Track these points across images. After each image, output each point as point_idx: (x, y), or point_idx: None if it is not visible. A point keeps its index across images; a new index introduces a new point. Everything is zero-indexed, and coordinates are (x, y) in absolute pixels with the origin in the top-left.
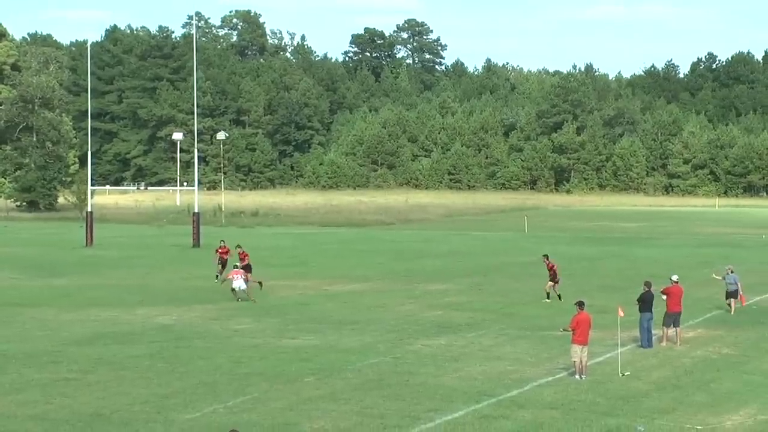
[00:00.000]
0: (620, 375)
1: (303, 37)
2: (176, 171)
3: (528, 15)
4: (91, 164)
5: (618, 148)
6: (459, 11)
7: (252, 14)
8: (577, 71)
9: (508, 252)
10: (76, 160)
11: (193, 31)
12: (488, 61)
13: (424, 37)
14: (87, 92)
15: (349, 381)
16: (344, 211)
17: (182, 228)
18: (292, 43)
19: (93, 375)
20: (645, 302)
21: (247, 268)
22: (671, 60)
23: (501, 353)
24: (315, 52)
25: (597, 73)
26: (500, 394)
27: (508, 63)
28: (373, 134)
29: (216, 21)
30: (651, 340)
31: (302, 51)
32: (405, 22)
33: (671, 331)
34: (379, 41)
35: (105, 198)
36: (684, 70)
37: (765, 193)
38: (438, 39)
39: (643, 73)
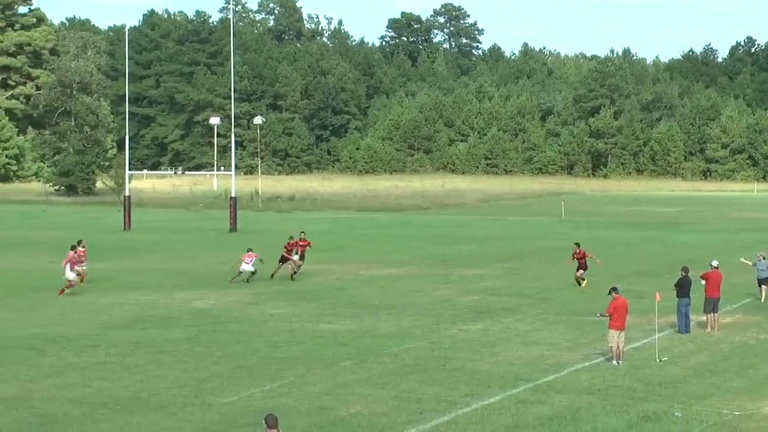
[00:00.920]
0: (657, 360)
1: (340, 22)
2: (213, 156)
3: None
4: (129, 149)
5: (655, 133)
6: None
7: None
8: (615, 55)
9: (544, 237)
10: (114, 144)
11: (231, 16)
12: (525, 45)
13: (461, 21)
14: (125, 77)
15: (386, 365)
16: (380, 196)
17: (219, 212)
18: (328, 27)
19: (131, 358)
20: (682, 287)
21: (302, 255)
22: (709, 44)
23: (538, 338)
24: (352, 37)
25: (634, 58)
26: (537, 379)
27: (545, 47)
28: (409, 119)
29: (253, 5)
30: (689, 325)
31: (339, 36)
32: (442, 6)
33: (710, 316)
34: (415, 26)
35: (142, 182)
36: (722, 54)
37: None
38: (475, 23)
39: (681, 58)
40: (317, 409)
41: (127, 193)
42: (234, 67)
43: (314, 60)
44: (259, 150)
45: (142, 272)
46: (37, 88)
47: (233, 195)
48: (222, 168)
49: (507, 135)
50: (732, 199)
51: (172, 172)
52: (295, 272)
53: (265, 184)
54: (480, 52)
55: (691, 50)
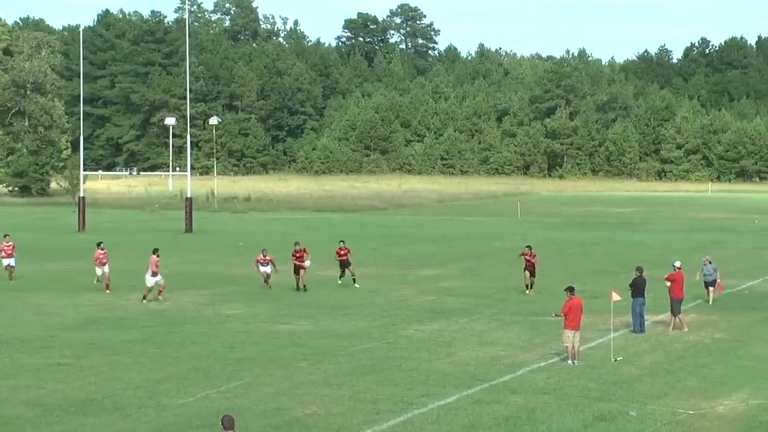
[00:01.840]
0: (613, 360)
1: (296, 22)
2: (169, 156)
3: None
4: (84, 149)
5: (611, 134)
6: None
7: None
8: (570, 56)
9: (500, 237)
10: (69, 145)
11: (186, 16)
12: (481, 46)
13: (417, 22)
14: (79, 77)
15: (342, 366)
16: (337, 197)
17: (175, 213)
18: (284, 28)
19: (85, 360)
20: (637, 287)
21: (344, 263)
22: (664, 45)
23: (493, 338)
24: (308, 37)
25: (590, 59)
26: (493, 379)
27: (501, 48)
28: (365, 119)
29: (209, 6)
30: (643, 324)
31: (295, 36)
32: (398, 6)
33: (679, 317)
34: (372, 26)
35: (97, 183)
36: (677, 55)
37: (758, 178)
38: (431, 24)
39: (636, 59)
40: (273, 410)
41: (81, 194)
42: (190, 67)
43: (270, 60)
44: (214, 150)
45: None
46: None
47: (189, 196)
48: (177, 168)
49: (463, 135)
50: (686, 199)
51: (127, 172)
52: (353, 277)
53: (220, 184)
54: (436, 52)
55: (645, 51)
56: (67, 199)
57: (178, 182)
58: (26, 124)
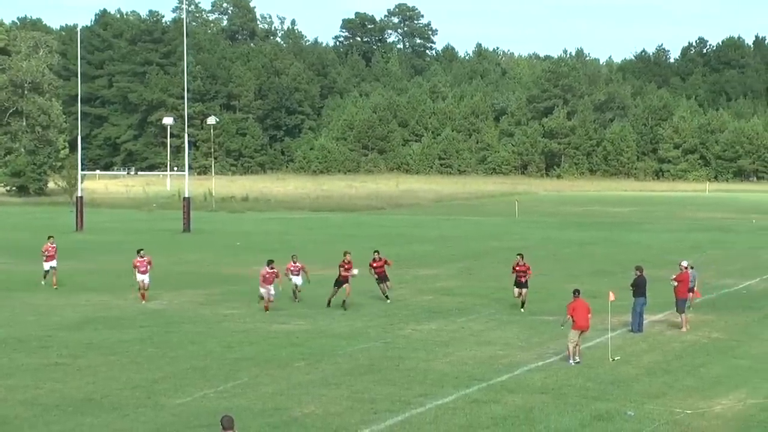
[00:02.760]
0: (610, 360)
1: (293, 22)
2: (166, 156)
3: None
4: (81, 149)
5: (608, 133)
6: None
7: None
8: (568, 56)
9: (498, 237)
10: (66, 144)
11: (183, 16)
12: (479, 45)
13: (415, 21)
14: (77, 77)
15: (340, 366)
16: (335, 197)
17: (173, 213)
18: (282, 27)
19: (83, 360)
20: (639, 287)
21: (381, 277)
22: (662, 45)
23: (491, 338)
24: (305, 37)
25: (587, 58)
26: (490, 378)
27: (498, 48)
28: (363, 119)
29: (206, 5)
30: (642, 324)
31: (292, 36)
32: (396, 6)
33: (675, 316)
34: (369, 26)
35: (95, 183)
36: (675, 54)
37: (755, 178)
38: (429, 24)
39: (633, 58)
40: (271, 410)
41: (79, 194)
42: (187, 67)
43: (268, 60)
44: (212, 150)
45: (95, 273)
46: None
47: (186, 195)
48: (175, 168)
49: (461, 135)
50: (684, 198)
51: (125, 172)
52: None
53: (218, 184)
54: (434, 52)
55: (643, 51)
56: (64, 198)
57: (175, 182)
58: (24, 123)
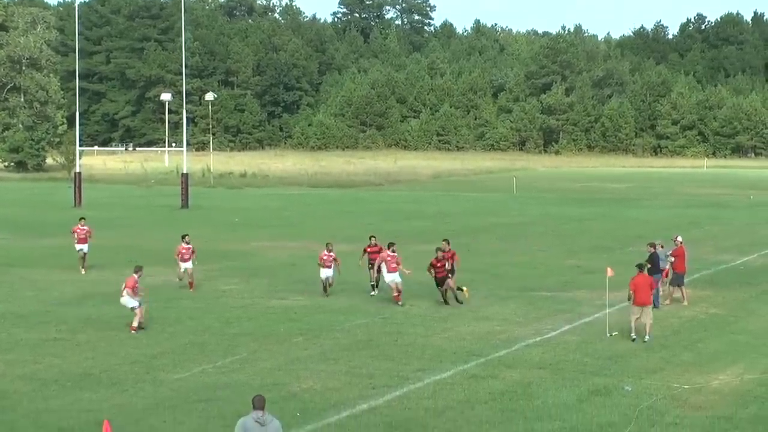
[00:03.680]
0: (608, 335)
1: None
2: (165, 132)
3: None
4: (79, 125)
5: (607, 110)
6: None
7: None
8: (566, 32)
9: (496, 213)
10: (64, 120)
11: None
12: (477, 22)
13: None
14: (75, 52)
15: (338, 341)
16: (333, 173)
17: (171, 189)
18: (280, 3)
19: (82, 335)
20: (654, 264)
21: (442, 280)
22: (660, 21)
23: (489, 313)
24: (303, 13)
25: (586, 35)
26: (488, 354)
27: (496, 24)
28: (361, 95)
29: None
30: (658, 299)
31: (291, 12)
32: None
33: (676, 290)
34: (367, 2)
35: (93, 159)
36: (673, 30)
37: (753, 154)
38: (427, 0)
39: (632, 34)
40: (270, 385)
41: (77, 170)
42: (185, 43)
43: (266, 36)
44: (210, 126)
45: (93, 249)
46: None
47: (185, 171)
48: (173, 144)
49: (459, 111)
50: (682, 175)
51: (123, 148)
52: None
53: (216, 160)
54: (432, 28)
55: (641, 27)
56: (63, 174)
57: (174, 158)
58: (22, 99)
